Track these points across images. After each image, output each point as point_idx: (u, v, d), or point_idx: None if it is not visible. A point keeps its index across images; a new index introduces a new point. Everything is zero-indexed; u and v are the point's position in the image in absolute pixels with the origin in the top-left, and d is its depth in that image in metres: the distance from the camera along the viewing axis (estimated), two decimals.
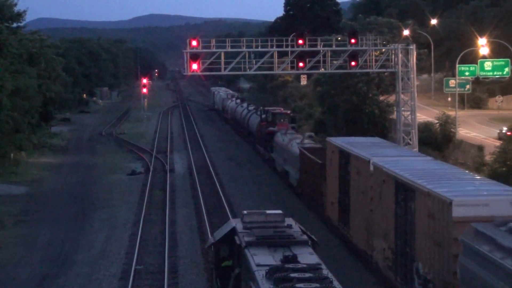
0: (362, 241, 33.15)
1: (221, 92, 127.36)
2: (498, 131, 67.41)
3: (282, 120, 67.79)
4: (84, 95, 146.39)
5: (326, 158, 41.38)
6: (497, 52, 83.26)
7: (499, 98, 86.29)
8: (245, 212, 23.88)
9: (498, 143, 54.33)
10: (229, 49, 51.45)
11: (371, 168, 31.69)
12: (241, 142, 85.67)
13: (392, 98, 67.07)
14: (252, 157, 72.56)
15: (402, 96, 52.97)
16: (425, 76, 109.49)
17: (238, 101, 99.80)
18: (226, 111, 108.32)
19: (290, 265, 19.03)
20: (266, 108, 75.03)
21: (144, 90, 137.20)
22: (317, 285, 17.57)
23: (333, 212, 39.41)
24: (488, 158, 52.41)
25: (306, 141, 52.89)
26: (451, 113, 67.77)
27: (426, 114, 78.26)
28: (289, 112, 72.62)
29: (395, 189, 28.29)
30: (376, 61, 52.47)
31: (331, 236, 39.23)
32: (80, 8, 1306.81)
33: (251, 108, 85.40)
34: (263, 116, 71.76)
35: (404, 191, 27.29)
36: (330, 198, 40.13)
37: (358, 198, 34.04)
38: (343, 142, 38.80)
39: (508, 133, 67.98)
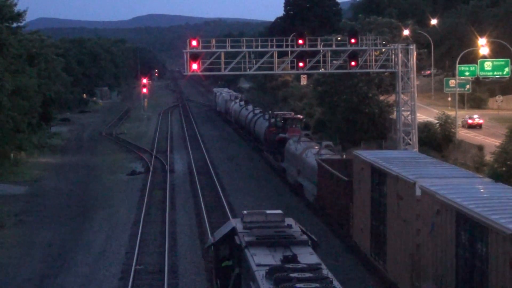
0: (404, 280, 27.45)
1: (224, 93, 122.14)
2: (462, 119, 70.49)
3: (293, 126, 62.23)
4: (84, 95, 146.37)
5: (353, 174, 35.44)
6: (497, 52, 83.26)
7: (499, 98, 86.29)
8: (245, 212, 23.87)
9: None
10: (229, 49, 51.47)
11: (418, 192, 25.93)
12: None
13: (392, 98, 67.09)
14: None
15: (402, 96, 52.98)
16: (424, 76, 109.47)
17: (242, 103, 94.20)
18: (230, 113, 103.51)
19: (290, 265, 19.04)
20: (275, 112, 69.77)
21: (144, 90, 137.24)
22: (317, 285, 17.57)
23: (362, 240, 33.70)
24: (488, 158, 52.42)
25: (323, 151, 47.43)
26: (451, 113, 67.77)
27: (426, 114, 78.25)
28: (301, 117, 66.60)
29: (456, 223, 22.48)
30: (376, 61, 52.47)
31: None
32: (80, 8, 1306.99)
33: (257, 111, 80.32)
34: (272, 120, 66.04)
35: (471, 228, 21.51)
36: (359, 223, 34.40)
37: (398, 228, 28.01)
38: (376, 158, 32.48)
39: (469, 121, 72.75)
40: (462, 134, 68.93)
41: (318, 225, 41.95)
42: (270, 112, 70.74)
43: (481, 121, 76.54)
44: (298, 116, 66.52)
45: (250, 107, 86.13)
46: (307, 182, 47.30)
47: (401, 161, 31.53)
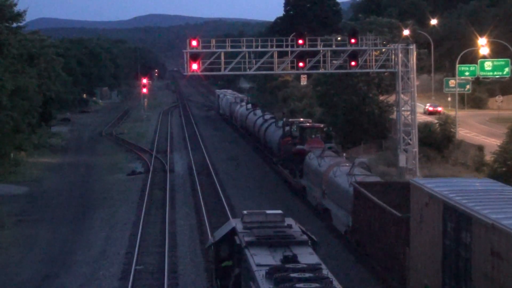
0: None
1: (228, 95, 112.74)
2: (424, 106, 73.04)
3: (313, 136, 54.23)
4: (84, 95, 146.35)
5: (412, 210, 26.38)
6: (497, 52, 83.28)
7: (499, 98, 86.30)
8: (245, 212, 23.86)
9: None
10: (229, 49, 51.43)
11: None
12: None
13: (392, 98, 67.07)
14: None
15: (402, 96, 52.97)
16: (425, 76, 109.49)
17: (250, 106, 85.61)
18: (235, 117, 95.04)
19: (290, 265, 19.04)
20: (290, 119, 61.63)
21: (144, 90, 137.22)
22: (317, 285, 17.57)
23: None
24: (488, 158, 52.42)
25: (356, 170, 38.59)
26: (451, 113, 67.76)
27: (426, 114, 78.27)
28: (322, 125, 57.33)
29: None
30: (376, 61, 52.44)
31: None
32: (80, 8, 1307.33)
33: (267, 116, 71.81)
34: (287, 129, 58.22)
35: None
36: (420, 277, 25.62)
37: None
38: (449, 190, 23.79)
39: (430, 109, 75.79)
40: (462, 134, 68.97)
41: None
42: (284, 119, 62.47)
43: (439, 109, 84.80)
44: (318, 124, 57.74)
45: (258, 112, 77.77)
46: (337, 208, 39.00)
47: (487, 196, 22.97)
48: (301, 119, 61.90)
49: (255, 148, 75.05)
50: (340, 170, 39.68)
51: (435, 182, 25.78)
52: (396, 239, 28.24)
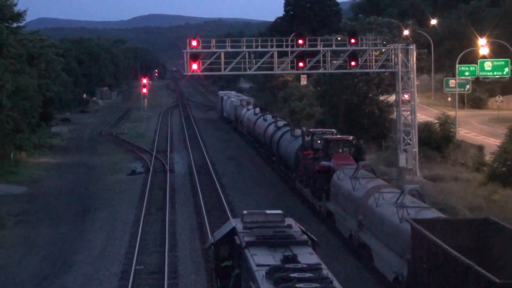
0: None
1: (233, 97, 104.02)
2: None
3: (340, 150, 45.40)
4: (84, 95, 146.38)
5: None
6: (497, 52, 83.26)
7: (499, 98, 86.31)
8: (245, 212, 23.88)
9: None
10: (229, 49, 51.47)
11: None
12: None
13: (392, 98, 67.09)
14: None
15: (402, 96, 53.00)
16: (425, 76, 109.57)
17: (258, 110, 77.79)
18: (241, 122, 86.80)
19: (290, 265, 19.05)
20: (311, 129, 52.96)
21: (144, 90, 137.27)
22: (317, 285, 17.59)
23: None
24: (488, 158, 52.43)
25: (408, 200, 30.31)
26: (451, 113, 67.79)
27: (426, 114, 78.27)
28: (350, 137, 47.41)
29: None
30: (376, 61, 52.48)
31: None
32: (80, 8, 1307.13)
33: (280, 123, 62.76)
34: (307, 139, 49.95)
35: None
36: None
37: None
38: None
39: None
40: (462, 134, 68.97)
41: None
42: (303, 128, 54.86)
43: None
44: (347, 136, 48.36)
45: (269, 117, 69.00)
46: (381, 247, 30.79)
47: None
48: (323, 129, 52.78)
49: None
50: (384, 198, 31.85)
51: None
52: None
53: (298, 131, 54.30)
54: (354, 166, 39.97)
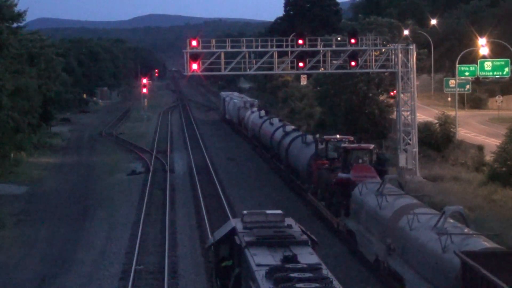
0: None
1: (235, 98, 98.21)
2: None
3: (360, 161, 39.76)
4: (84, 95, 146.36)
5: None
6: (497, 52, 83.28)
7: (499, 98, 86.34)
8: (245, 212, 23.87)
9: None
10: (229, 49, 51.51)
11: None
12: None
13: (392, 98, 67.11)
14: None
15: (402, 96, 53.03)
16: (425, 76, 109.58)
17: (263, 113, 73.59)
18: (245, 125, 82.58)
19: (290, 265, 19.05)
20: (325, 136, 47.36)
21: (144, 90, 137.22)
22: (317, 285, 17.58)
23: None
24: (488, 158, 52.45)
25: (450, 225, 26.01)
26: (451, 113, 67.81)
27: (426, 114, 78.27)
28: (371, 146, 41.53)
29: None
30: (376, 61, 52.53)
31: None
32: (80, 8, 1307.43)
33: (289, 128, 58.95)
34: (321, 147, 45.10)
35: None
36: None
37: None
38: None
39: None
40: (462, 134, 68.98)
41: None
42: (316, 135, 50.35)
43: None
44: (367, 145, 42.33)
45: (276, 121, 64.65)
46: (418, 279, 26.14)
47: None
48: (339, 136, 46.60)
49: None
50: (419, 220, 27.20)
51: None
52: None
53: (309, 137, 50.41)
54: (376, 179, 36.06)
